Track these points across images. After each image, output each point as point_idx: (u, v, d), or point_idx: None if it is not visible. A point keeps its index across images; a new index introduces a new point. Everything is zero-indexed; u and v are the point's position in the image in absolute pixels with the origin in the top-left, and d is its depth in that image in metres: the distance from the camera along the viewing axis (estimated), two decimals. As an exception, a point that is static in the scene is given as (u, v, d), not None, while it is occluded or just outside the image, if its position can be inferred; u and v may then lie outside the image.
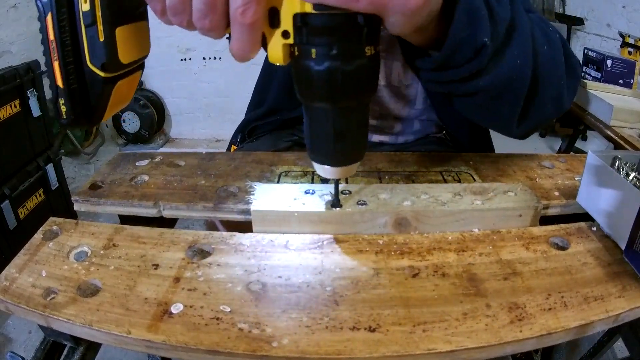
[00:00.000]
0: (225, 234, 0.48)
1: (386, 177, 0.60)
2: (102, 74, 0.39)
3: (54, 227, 0.50)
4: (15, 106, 1.53)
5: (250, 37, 0.37)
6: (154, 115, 2.67)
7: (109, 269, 0.43)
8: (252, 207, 0.49)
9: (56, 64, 0.39)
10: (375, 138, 0.81)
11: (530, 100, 0.49)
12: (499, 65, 0.44)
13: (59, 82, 0.39)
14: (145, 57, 0.44)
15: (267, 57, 0.82)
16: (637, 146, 1.17)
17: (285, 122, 0.83)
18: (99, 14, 0.37)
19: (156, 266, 0.43)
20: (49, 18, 0.37)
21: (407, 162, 0.64)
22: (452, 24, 0.39)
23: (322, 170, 0.42)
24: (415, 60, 0.46)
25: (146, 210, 0.53)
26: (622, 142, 1.23)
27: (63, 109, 0.40)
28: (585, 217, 0.51)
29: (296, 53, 0.36)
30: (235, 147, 0.89)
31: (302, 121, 0.83)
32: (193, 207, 0.53)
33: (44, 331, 0.45)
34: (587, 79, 1.57)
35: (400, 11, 0.33)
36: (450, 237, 0.47)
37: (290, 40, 0.36)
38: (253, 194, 0.52)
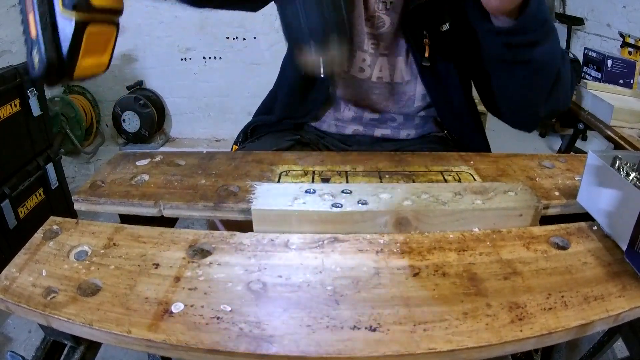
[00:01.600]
0: (225, 233, 0.48)
1: (387, 176, 0.60)
2: (73, 15, 0.40)
3: (54, 227, 0.50)
4: (15, 105, 1.52)
5: None
6: (154, 115, 2.67)
7: (109, 268, 0.43)
8: (253, 207, 0.49)
9: (31, 16, 0.40)
10: (377, 132, 0.81)
11: (554, 87, 0.63)
12: (548, 43, 0.59)
13: (32, 33, 0.40)
14: (118, 11, 0.45)
15: (281, 67, 0.85)
16: (637, 146, 1.17)
17: (287, 124, 0.84)
18: None
19: (156, 265, 0.43)
20: None
21: (407, 162, 0.64)
22: (528, 4, 0.54)
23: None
24: (498, 28, 0.59)
25: (146, 210, 0.53)
26: (622, 142, 1.23)
27: (36, 59, 0.40)
28: (585, 217, 0.51)
29: None
30: (237, 147, 0.89)
31: (303, 124, 0.83)
32: (193, 207, 0.53)
33: (44, 330, 0.45)
34: (587, 79, 1.57)
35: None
36: (450, 237, 0.47)
37: None
38: (253, 194, 0.52)
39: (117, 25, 0.46)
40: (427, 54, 0.70)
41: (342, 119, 0.81)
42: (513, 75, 0.64)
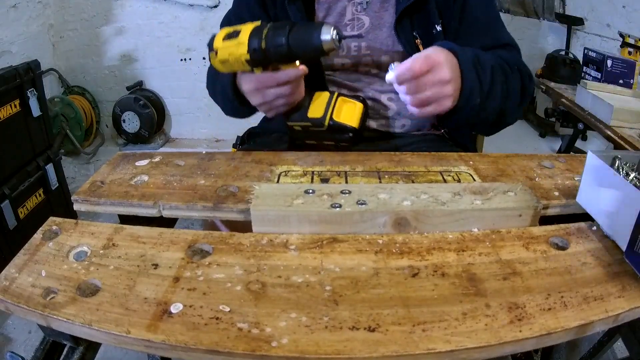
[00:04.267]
0: (224, 233, 0.48)
1: (386, 176, 0.60)
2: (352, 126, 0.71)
3: (54, 227, 0.50)
4: (15, 106, 1.52)
5: None
6: (154, 115, 2.67)
7: (108, 268, 0.43)
8: (252, 207, 0.49)
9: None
10: (372, 124, 0.81)
11: (499, 120, 0.75)
12: (480, 113, 0.69)
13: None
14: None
15: None
16: (637, 146, 1.17)
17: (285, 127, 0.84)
18: None
19: (156, 266, 0.43)
20: None
21: (406, 162, 0.64)
22: (459, 100, 0.65)
23: None
24: (445, 123, 0.78)
25: (146, 210, 0.53)
26: (622, 142, 1.23)
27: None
28: (585, 217, 0.51)
29: None
30: (235, 150, 0.89)
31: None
32: (193, 207, 0.53)
33: (44, 331, 0.45)
34: (587, 79, 1.57)
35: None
36: (450, 237, 0.47)
37: None
38: (253, 194, 0.52)
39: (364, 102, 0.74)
40: (421, 50, 0.72)
41: (358, 94, 0.82)
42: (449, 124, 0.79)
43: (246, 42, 0.61)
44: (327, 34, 0.58)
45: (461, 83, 0.64)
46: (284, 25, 0.60)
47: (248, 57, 0.62)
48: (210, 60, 0.68)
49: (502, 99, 0.70)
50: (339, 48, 0.61)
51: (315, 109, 0.71)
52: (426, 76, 0.60)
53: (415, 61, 0.60)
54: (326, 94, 0.72)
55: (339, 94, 0.72)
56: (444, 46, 0.64)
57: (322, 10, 0.77)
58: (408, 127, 0.82)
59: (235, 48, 0.62)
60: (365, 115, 0.73)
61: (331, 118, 0.70)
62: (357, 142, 0.72)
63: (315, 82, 0.78)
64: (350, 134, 0.70)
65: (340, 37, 0.60)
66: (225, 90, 0.74)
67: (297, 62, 0.64)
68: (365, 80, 0.80)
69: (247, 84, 0.67)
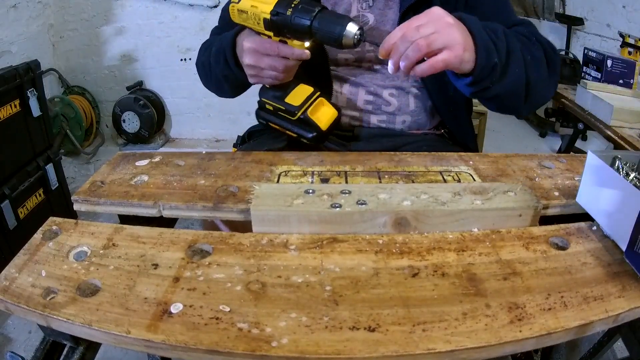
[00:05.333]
0: (224, 233, 0.48)
1: (386, 176, 0.60)
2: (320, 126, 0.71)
3: (54, 227, 0.50)
4: (15, 106, 1.52)
5: None
6: (154, 115, 2.67)
7: (108, 268, 0.43)
8: (252, 207, 0.48)
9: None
10: (373, 119, 0.81)
11: (528, 93, 0.69)
12: (505, 77, 0.65)
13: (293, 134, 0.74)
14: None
15: None
16: (637, 146, 1.17)
17: None
18: None
19: (156, 266, 0.43)
20: None
21: (406, 162, 0.64)
22: (477, 58, 0.61)
23: None
24: (459, 84, 0.68)
25: (146, 210, 0.53)
26: (622, 142, 1.23)
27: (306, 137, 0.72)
28: (585, 217, 0.51)
29: None
30: (236, 150, 0.89)
31: None
32: (193, 207, 0.53)
33: (44, 331, 0.45)
34: (587, 79, 1.57)
35: (451, 66, 0.59)
36: (450, 237, 0.47)
37: None
38: (253, 194, 0.52)
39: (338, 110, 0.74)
40: None
41: (337, 103, 0.82)
42: (491, 104, 0.73)
43: (274, 2, 0.62)
44: (352, 31, 0.59)
45: (473, 41, 0.60)
46: (315, 5, 0.61)
47: (268, 17, 0.62)
48: (228, 5, 0.69)
49: (525, 65, 0.66)
50: (356, 47, 0.61)
51: (295, 98, 0.71)
52: (423, 22, 0.57)
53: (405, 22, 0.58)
54: (310, 89, 0.72)
55: (321, 95, 0.73)
56: None
57: (328, 6, 0.77)
58: (409, 124, 0.82)
59: (261, 3, 0.63)
60: (335, 124, 0.73)
61: (305, 112, 0.70)
62: (316, 144, 0.72)
63: (320, 75, 0.79)
64: (315, 134, 0.71)
65: (361, 39, 0.60)
66: (220, 49, 0.74)
67: (307, 44, 0.64)
68: (368, 75, 0.80)
69: (250, 42, 0.67)
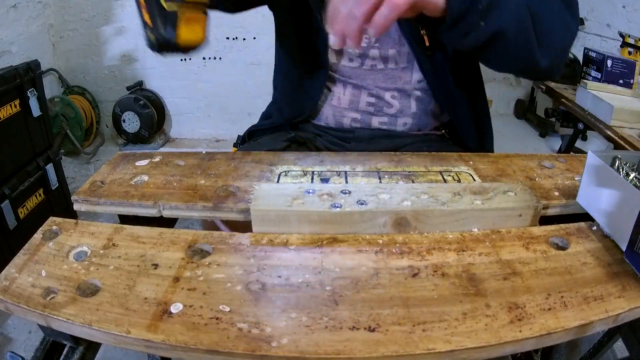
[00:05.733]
0: (224, 233, 0.48)
1: (386, 177, 0.60)
2: (172, 6, 0.57)
3: (54, 227, 0.50)
4: (15, 106, 1.52)
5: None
6: (154, 115, 2.67)
7: (108, 268, 0.43)
8: (252, 207, 0.48)
9: (143, 8, 0.59)
10: (375, 121, 0.81)
11: (539, 31, 0.57)
12: (497, 6, 0.52)
13: (146, 20, 0.59)
14: (204, 3, 0.61)
15: (275, 63, 0.86)
16: (637, 146, 1.17)
17: (283, 125, 0.85)
18: None
19: (156, 266, 0.43)
20: None
21: (406, 162, 0.64)
22: None
23: None
24: (440, 31, 0.55)
25: (146, 210, 0.53)
26: (622, 142, 1.23)
27: (151, 37, 0.60)
28: (585, 217, 0.51)
29: None
30: (236, 150, 0.89)
31: (299, 122, 0.84)
32: (193, 207, 0.53)
33: (44, 331, 0.45)
34: (587, 79, 1.57)
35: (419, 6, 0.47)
36: (450, 237, 0.47)
37: None
38: (253, 194, 0.52)
39: (206, 13, 0.62)
40: (427, 44, 0.71)
41: (339, 106, 0.81)
42: (493, 56, 0.61)
43: None
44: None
45: None
46: None
47: None
48: None
49: (526, 9, 0.54)
50: None
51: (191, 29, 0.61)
52: None
53: None
54: (204, 19, 0.63)
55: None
56: None
57: None
58: (410, 126, 0.82)
59: None
60: (192, 49, 0.63)
61: (177, 14, 0.59)
62: (156, 50, 0.62)
63: (319, 76, 0.78)
64: (165, 37, 0.59)
65: None
66: None
67: None
68: (370, 77, 0.79)
69: None
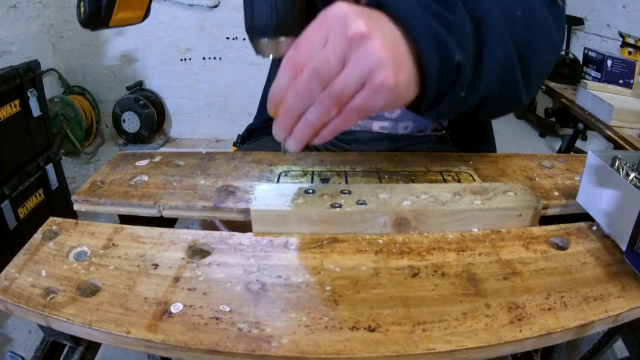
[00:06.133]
0: (224, 233, 0.48)
1: (386, 176, 0.60)
2: None
3: (54, 227, 0.50)
4: (15, 106, 1.53)
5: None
6: (154, 115, 2.67)
7: (108, 268, 0.43)
8: (252, 207, 0.48)
9: None
10: (375, 125, 0.81)
11: (526, 74, 0.49)
12: (485, 66, 0.44)
13: None
14: None
15: (271, 62, 0.85)
16: (637, 146, 1.17)
17: None
18: None
19: (156, 266, 0.43)
20: None
21: (406, 162, 0.64)
22: (424, 70, 0.40)
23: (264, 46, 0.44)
24: (416, 111, 0.46)
25: (146, 210, 0.53)
26: (622, 142, 1.23)
27: (82, 10, 0.53)
28: (585, 217, 0.51)
29: None
30: (236, 149, 0.89)
31: None
32: (193, 207, 0.53)
33: (44, 331, 0.45)
34: (587, 79, 1.57)
35: (387, 108, 0.39)
36: (450, 237, 0.47)
37: None
38: (253, 194, 0.52)
39: None
40: None
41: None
42: (481, 114, 0.52)
43: None
44: None
45: (409, 38, 0.39)
46: None
47: None
48: None
49: (512, 31, 0.45)
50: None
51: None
52: (314, 53, 0.37)
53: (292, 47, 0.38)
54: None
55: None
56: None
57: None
58: (410, 129, 0.82)
59: None
60: (120, 25, 0.57)
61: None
62: (84, 24, 0.56)
63: None
64: (97, 13, 0.54)
65: None
66: None
67: None
68: None
69: None
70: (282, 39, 0.43)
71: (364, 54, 0.36)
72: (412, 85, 0.40)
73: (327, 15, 0.37)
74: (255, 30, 0.44)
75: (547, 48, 0.51)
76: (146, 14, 0.59)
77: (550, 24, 0.51)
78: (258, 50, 0.45)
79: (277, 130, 0.42)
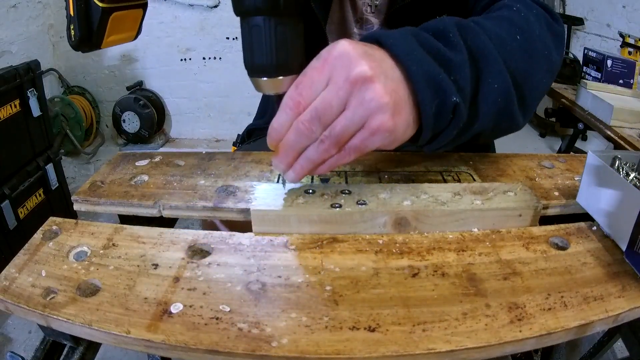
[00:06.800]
0: (224, 233, 0.48)
1: (386, 176, 0.60)
2: (100, 4, 0.51)
3: (54, 227, 0.50)
4: (15, 106, 1.53)
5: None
6: (154, 115, 2.67)
7: (108, 268, 0.43)
8: (252, 207, 0.49)
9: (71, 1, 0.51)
10: None
11: (523, 103, 0.51)
12: (481, 104, 0.46)
13: (71, 12, 0.51)
14: (143, 2, 0.55)
15: None
16: (637, 146, 1.17)
17: None
18: None
19: (156, 266, 0.43)
20: None
21: (406, 162, 0.64)
22: (420, 110, 0.41)
23: (266, 85, 0.44)
24: (413, 144, 0.48)
25: (146, 210, 0.53)
26: (622, 142, 1.23)
27: (72, 32, 0.52)
28: (585, 217, 0.51)
29: None
30: (236, 148, 0.89)
31: None
32: (193, 207, 0.53)
33: (44, 331, 0.45)
34: (587, 79, 1.57)
35: (384, 147, 0.40)
36: (449, 237, 0.47)
37: None
38: (253, 194, 0.52)
39: (143, 5, 0.56)
40: None
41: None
42: (480, 140, 0.55)
43: None
44: None
45: (407, 78, 0.40)
46: None
47: None
48: None
49: (511, 63, 0.46)
50: None
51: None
52: (314, 95, 0.39)
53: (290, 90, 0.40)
54: (140, 13, 0.58)
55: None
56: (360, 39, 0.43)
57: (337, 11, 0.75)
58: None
59: None
60: (113, 44, 0.56)
61: (110, 10, 0.53)
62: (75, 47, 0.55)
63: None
64: (87, 38, 0.54)
65: None
66: None
67: None
68: None
69: None
70: (282, 77, 0.44)
71: (365, 99, 0.37)
72: (410, 126, 0.42)
73: (331, 54, 0.38)
74: (256, 69, 0.44)
75: (545, 70, 0.52)
76: (138, 32, 0.59)
77: (550, 44, 0.52)
78: (258, 88, 0.46)
79: (277, 164, 0.43)
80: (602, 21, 2.48)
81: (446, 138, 0.46)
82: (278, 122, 0.41)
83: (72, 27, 0.52)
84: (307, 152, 0.41)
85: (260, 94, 0.93)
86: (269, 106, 0.90)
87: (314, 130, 0.39)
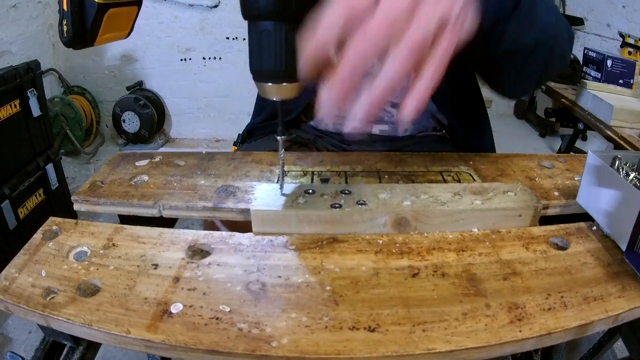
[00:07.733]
0: (224, 233, 0.48)
1: (386, 176, 0.60)
2: (96, 0, 0.49)
3: (54, 227, 0.50)
4: (15, 106, 1.53)
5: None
6: (154, 115, 2.67)
7: (108, 268, 0.43)
8: (252, 207, 0.49)
9: None
10: (376, 129, 0.81)
11: (550, 58, 0.57)
12: (535, 18, 0.51)
13: (65, 6, 0.49)
14: None
15: None
16: (637, 146, 1.17)
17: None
18: None
19: (156, 266, 0.43)
20: None
21: (406, 162, 0.64)
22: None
23: (273, 90, 0.44)
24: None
25: (146, 210, 0.53)
26: (622, 142, 1.23)
27: (65, 28, 0.50)
28: (585, 217, 0.51)
29: None
30: (236, 148, 0.89)
31: (299, 122, 0.84)
32: (193, 207, 0.53)
33: (44, 331, 0.45)
34: (587, 79, 1.57)
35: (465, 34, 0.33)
36: (449, 237, 0.47)
37: None
38: (253, 194, 0.52)
39: (138, 3, 0.55)
40: None
41: (338, 114, 0.81)
42: (509, 67, 0.57)
43: None
44: None
45: None
46: None
47: None
48: None
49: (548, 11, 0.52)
50: None
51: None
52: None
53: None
54: (135, 11, 0.57)
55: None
56: None
57: None
58: (410, 131, 0.82)
59: None
60: (106, 42, 0.55)
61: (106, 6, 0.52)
62: (68, 44, 0.53)
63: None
64: (80, 36, 0.52)
65: None
66: None
67: None
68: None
69: None
70: (286, 84, 0.44)
71: None
72: (472, 20, 0.35)
73: None
74: (263, 75, 0.45)
75: (561, 50, 0.58)
76: (131, 30, 0.59)
77: (566, 38, 0.59)
78: (263, 92, 0.46)
79: (331, 100, 0.33)
80: (602, 21, 2.48)
81: (507, 34, 0.49)
82: (325, 33, 0.30)
83: (64, 22, 0.50)
84: (384, 70, 0.31)
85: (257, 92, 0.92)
86: (265, 105, 0.89)
87: (386, 40, 0.30)
